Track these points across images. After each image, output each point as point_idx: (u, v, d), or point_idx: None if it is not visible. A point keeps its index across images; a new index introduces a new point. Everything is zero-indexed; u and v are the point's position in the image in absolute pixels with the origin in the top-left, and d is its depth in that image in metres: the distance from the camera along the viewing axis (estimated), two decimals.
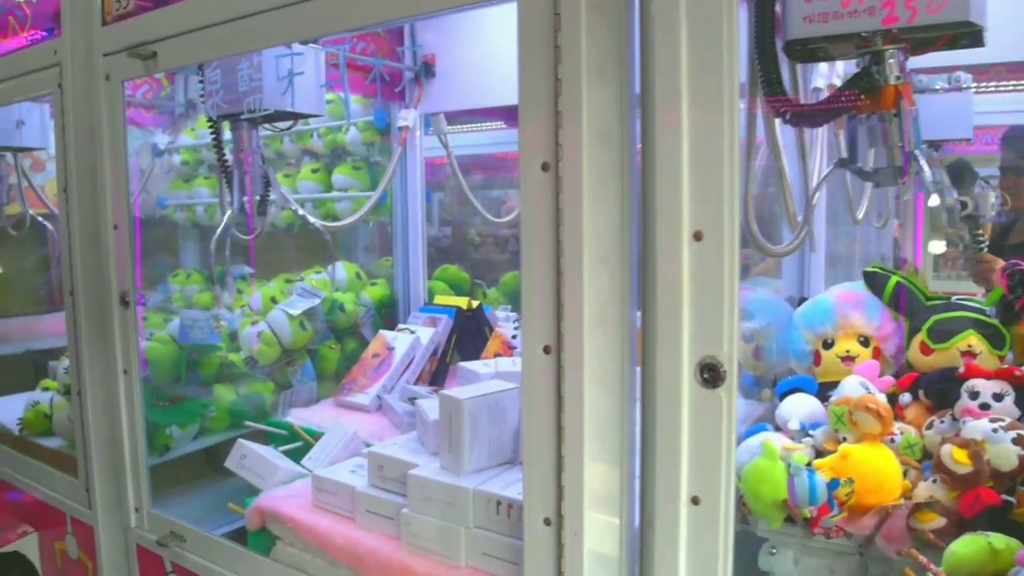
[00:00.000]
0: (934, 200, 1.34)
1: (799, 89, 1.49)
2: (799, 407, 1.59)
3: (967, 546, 1.19)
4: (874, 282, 1.79)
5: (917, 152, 1.28)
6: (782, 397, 1.65)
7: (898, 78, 1.24)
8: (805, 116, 1.37)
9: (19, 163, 2.88)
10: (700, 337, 1.07)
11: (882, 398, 1.48)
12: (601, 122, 1.12)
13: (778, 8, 1.25)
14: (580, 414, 1.16)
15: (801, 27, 1.21)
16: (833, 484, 1.30)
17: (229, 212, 2.01)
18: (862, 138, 1.34)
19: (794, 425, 1.55)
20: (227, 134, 2.01)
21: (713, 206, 1.04)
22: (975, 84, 2.06)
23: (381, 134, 2.73)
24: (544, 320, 1.18)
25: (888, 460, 1.38)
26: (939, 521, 1.28)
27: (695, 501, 1.10)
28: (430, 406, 1.69)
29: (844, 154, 1.47)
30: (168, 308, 3.09)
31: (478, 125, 3.07)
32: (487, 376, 1.85)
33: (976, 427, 1.34)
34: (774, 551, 1.41)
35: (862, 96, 1.25)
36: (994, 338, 1.62)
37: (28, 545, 2.38)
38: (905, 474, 1.40)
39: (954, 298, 1.75)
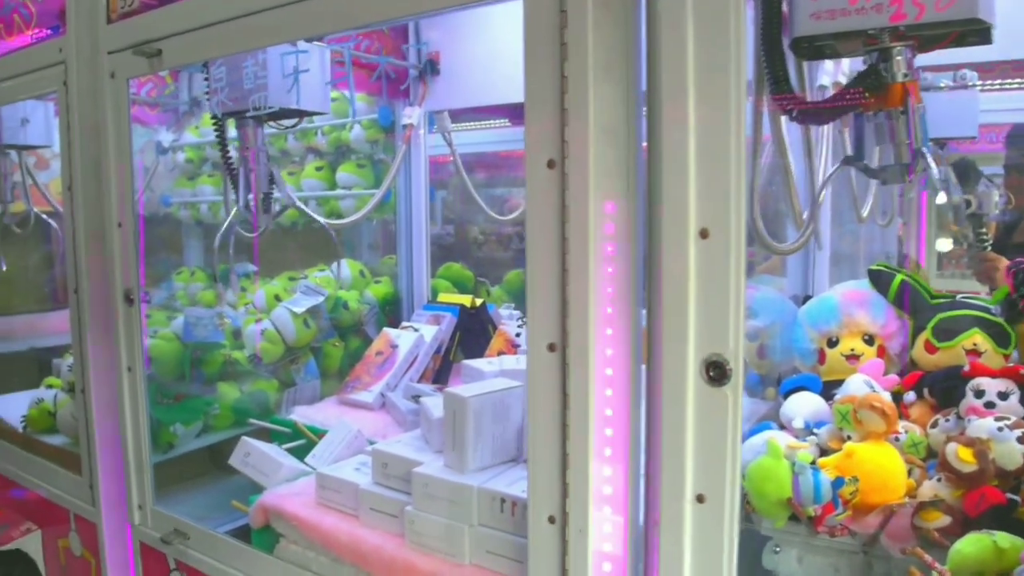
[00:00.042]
0: (941, 198, 1.33)
1: (805, 87, 1.48)
2: (803, 405, 1.59)
3: (972, 545, 1.19)
4: (879, 280, 1.79)
5: (924, 150, 1.28)
6: (786, 395, 1.65)
7: (906, 75, 1.24)
8: (811, 113, 1.36)
9: (24, 161, 2.88)
10: (706, 335, 1.07)
11: (887, 396, 1.47)
12: (607, 119, 1.12)
13: (785, 5, 1.24)
14: (585, 412, 1.16)
15: (808, 24, 1.21)
16: (837, 482, 1.30)
17: (233, 210, 2.01)
18: (869, 135, 1.34)
19: (798, 423, 1.55)
20: (231, 132, 2.01)
21: (720, 203, 1.04)
22: (980, 82, 2.05)
23: (385, 132, 2.73)
24: (549, 318, 1.18)
25: (893, 458, 1.38)
26: (944, 520, 1.28)
27: (700, 499, 1.10)
28: (434, 404, 1.69)
29: (850, 151, 1.46)
30: (172, 306, 3.09)
31: (482, 123, 3.07)
32: (491, 374, 1.85)
33: (981, 426, 1.34)
34: (778, 549, 1.41)
35: (869, 93, 1.25)
36: (999, 336, 1.62)
37: (31, 542, 2.38)
38: (910, 473, 1.39)
39: (959, 296, 1.74)
